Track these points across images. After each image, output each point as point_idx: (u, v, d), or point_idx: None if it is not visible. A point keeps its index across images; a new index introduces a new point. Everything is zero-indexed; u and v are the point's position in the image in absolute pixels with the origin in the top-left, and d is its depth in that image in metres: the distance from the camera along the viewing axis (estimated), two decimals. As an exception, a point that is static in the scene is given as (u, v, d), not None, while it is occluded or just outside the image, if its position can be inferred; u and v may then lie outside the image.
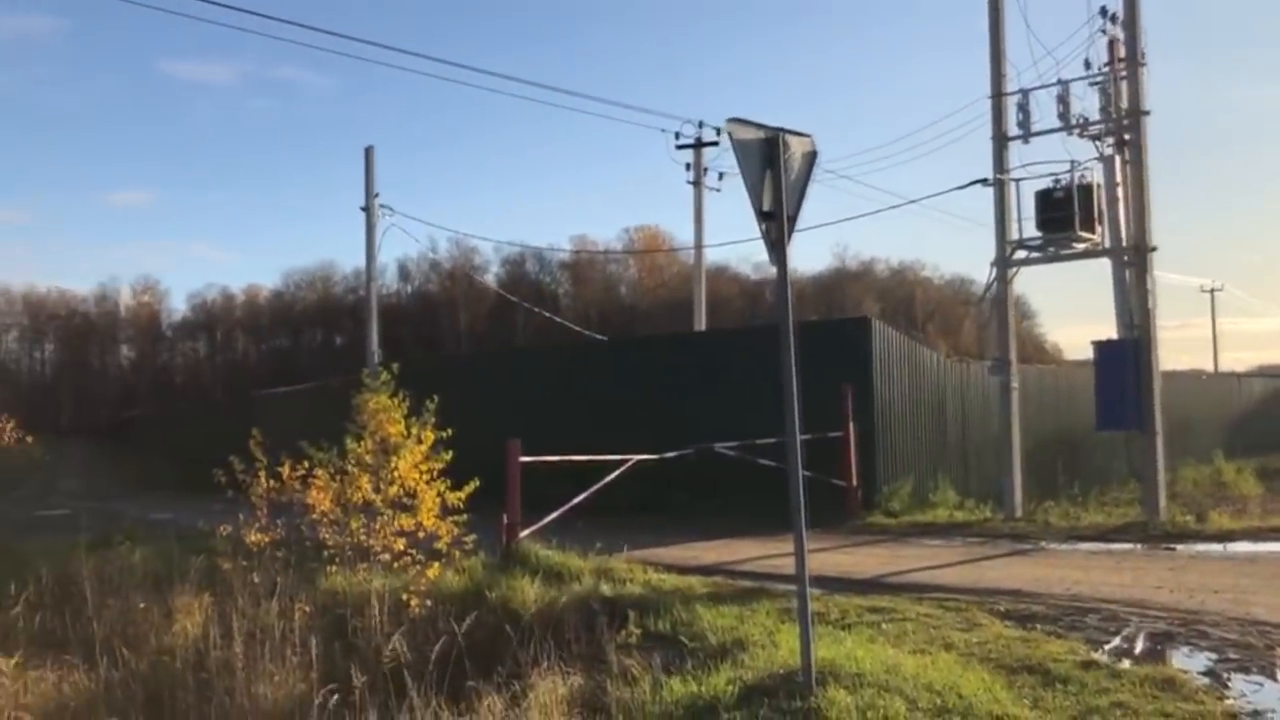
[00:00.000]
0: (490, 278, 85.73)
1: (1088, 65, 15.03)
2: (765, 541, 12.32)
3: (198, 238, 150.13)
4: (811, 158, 5.76)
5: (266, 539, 9.80)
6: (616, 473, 12.44)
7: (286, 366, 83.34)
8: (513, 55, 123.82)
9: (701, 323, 27.40)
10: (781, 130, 5.57)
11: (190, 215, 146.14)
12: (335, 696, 6.42)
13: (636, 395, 18.46)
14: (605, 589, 9.02)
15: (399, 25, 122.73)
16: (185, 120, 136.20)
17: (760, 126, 5.58)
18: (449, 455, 10.01)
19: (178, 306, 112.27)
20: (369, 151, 24.19)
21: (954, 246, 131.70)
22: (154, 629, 8.73)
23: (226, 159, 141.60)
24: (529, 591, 8.92)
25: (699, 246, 28.04)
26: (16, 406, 70.94)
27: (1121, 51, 14.88)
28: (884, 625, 7.56)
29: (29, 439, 57.17)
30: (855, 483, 15.12)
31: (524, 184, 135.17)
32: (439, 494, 9.71)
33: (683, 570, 10.43)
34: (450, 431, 10.22)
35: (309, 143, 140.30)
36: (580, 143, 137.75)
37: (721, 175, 26.75)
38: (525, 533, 11.12)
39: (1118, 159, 15.11)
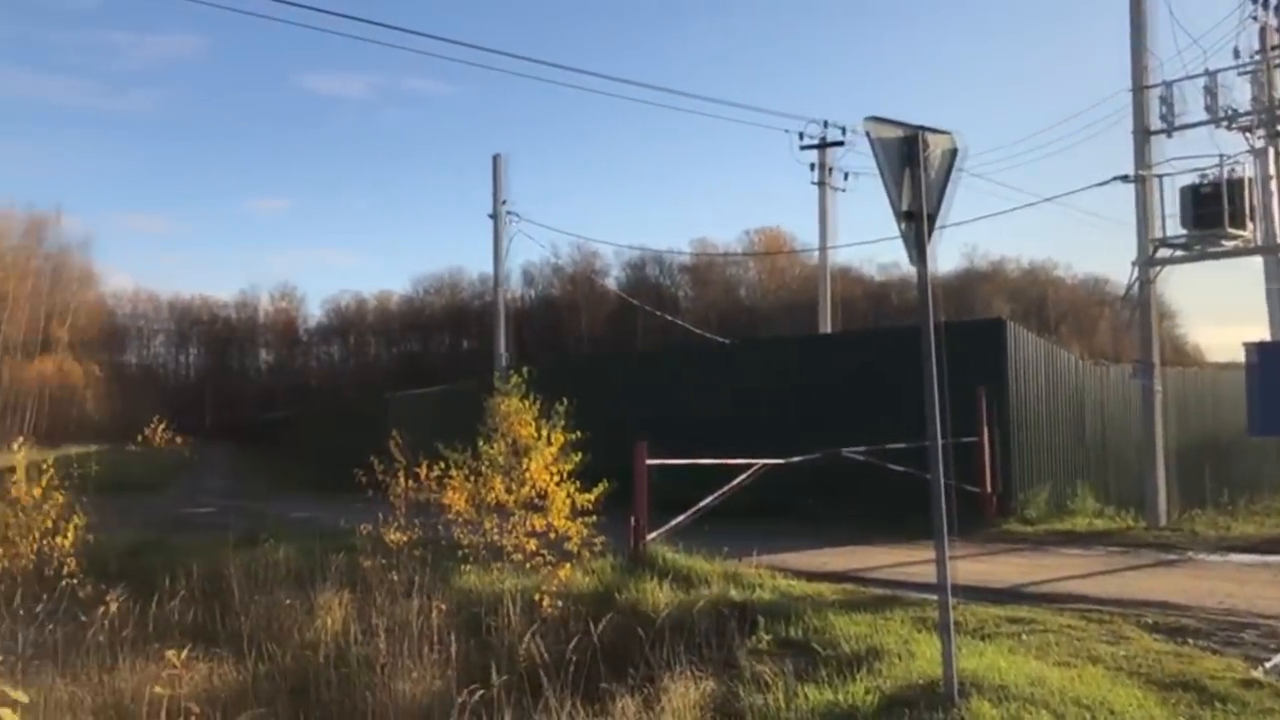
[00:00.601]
0: (611, 281, 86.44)
1: (1236, 54, 14.40)
2: (896, 548, 12.09)
3: (333, 245, 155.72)
4: (952, 155, 5.63)
5: (405, 538, 10.07)
6: (743, 477, 12.38)
7: (417, 369, 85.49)
8: (635, 58, 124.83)
9: (827, 324, 27.09)
10: (922, 128, 5.46)
11: (326, 223, 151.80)
12: (476, 695, 6.51)
13: (763, 398, 18.34)
14: (735, 594, 8.97)
15: (524, 33, 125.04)
16: (322, 131, 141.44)
17: (900, 124, 5.48)
18: (578, 457, 10.11)
19: (314, 312, 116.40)
20: (496, 160, 24.67)
21: (1088, 245, 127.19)
22: (298, 624, 9.02)
23: (361, 168, 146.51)
24: (659, 594, 8.93)
25: (823, 248, 27.74)
26: (164, 408, 74.60)
27: (1275, 39, 14.16)
28: (1025, 636, 7.33)
29: (178, 440, 60.01)
30: (991, 489, 14.72)
31: (645, 187, 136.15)
32: (569, 495, 9.81)
33: (812, 576, 10.30)
34: (580, 434, 10.32)
35: (439, 151, 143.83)
36: (702, 145, 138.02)
37: (847, 175, 26.46)
38: (653, 535, 11.15)
39: (1271, 151, 14.37)
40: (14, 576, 8.55)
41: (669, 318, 42.82)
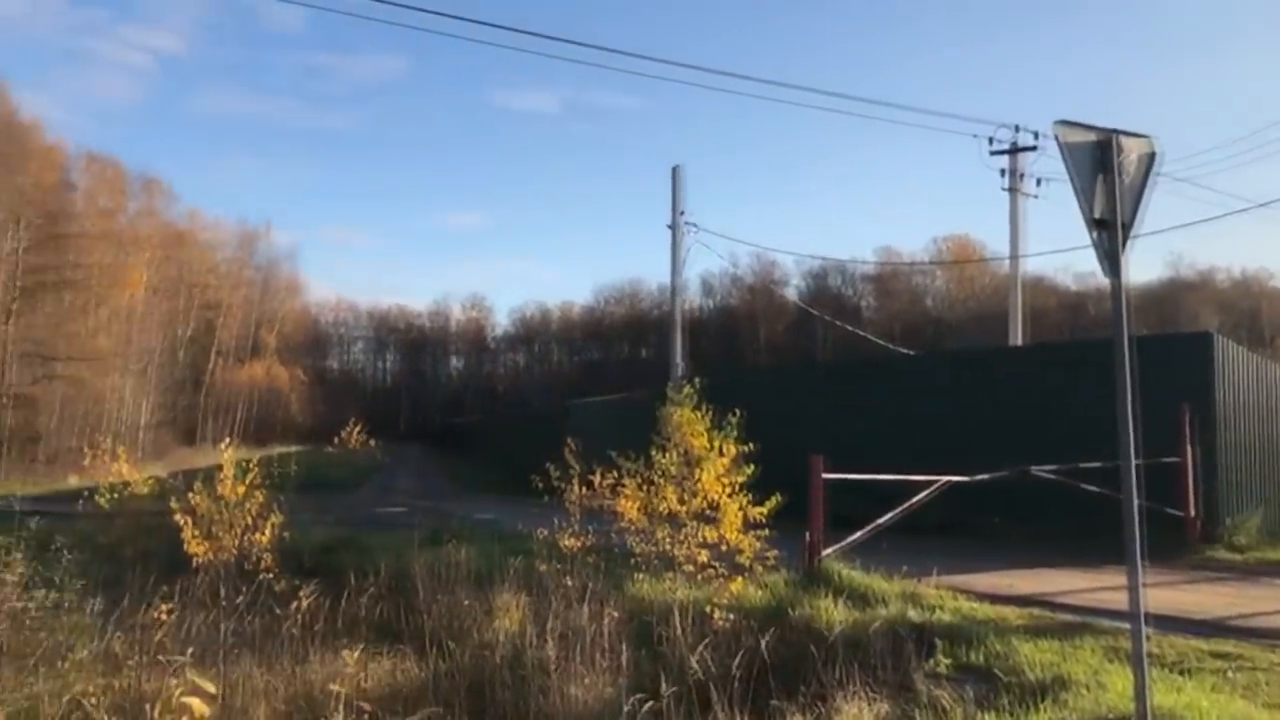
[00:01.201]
0: (791, 291, 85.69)
1: None
2: (1088, 573, 11.46)
3: (521, 256, 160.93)
4: (1150, 160, 5.28)
5: (579, 544, 10.21)
6: (925, 494, 11.99)
7: (597, 377, 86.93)
8: (819, 65, 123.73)
9: (1018, 336, 26.06)
10: (1115, 131, 5.15)
11: (515, 235, 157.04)
12: (646, 705, 6.52)
13: (946, 412, 17.76)
14: (913, 614, 8.70)
15: (707, 45, 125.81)
16: (513, 146, 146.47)
17: (1091, 128, 5.18)
18: (752, 469, 10.01)
19: (501, 320, 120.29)
20: (675, 171, 24.84)
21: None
22: (477, 624, 9.26)
23: (549, 182, 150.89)
24: (833, 612, 8.74)
25: (1015, 256, 26.70)
26: (362, 411, 78.47)
27: None
28: (1230, 674, 6.80)
29: (372, 442, 63.00)
30: (1194, 513, 13.78)
31: (828, 196, 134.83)
32: (741, 508, 9.72)
33: (995, 599, 9.88)
34: (753, 446, 10.22)
35: (622, 163, 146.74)
36: (887, 151, 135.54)
37: (1039, 181, 25.44)
38: (828, 551, 10.93)
39: None
40: (217, 569, 9.12)
41: (850, 328, 42.10)
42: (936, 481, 11.97)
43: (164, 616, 7.68)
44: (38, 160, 50.57)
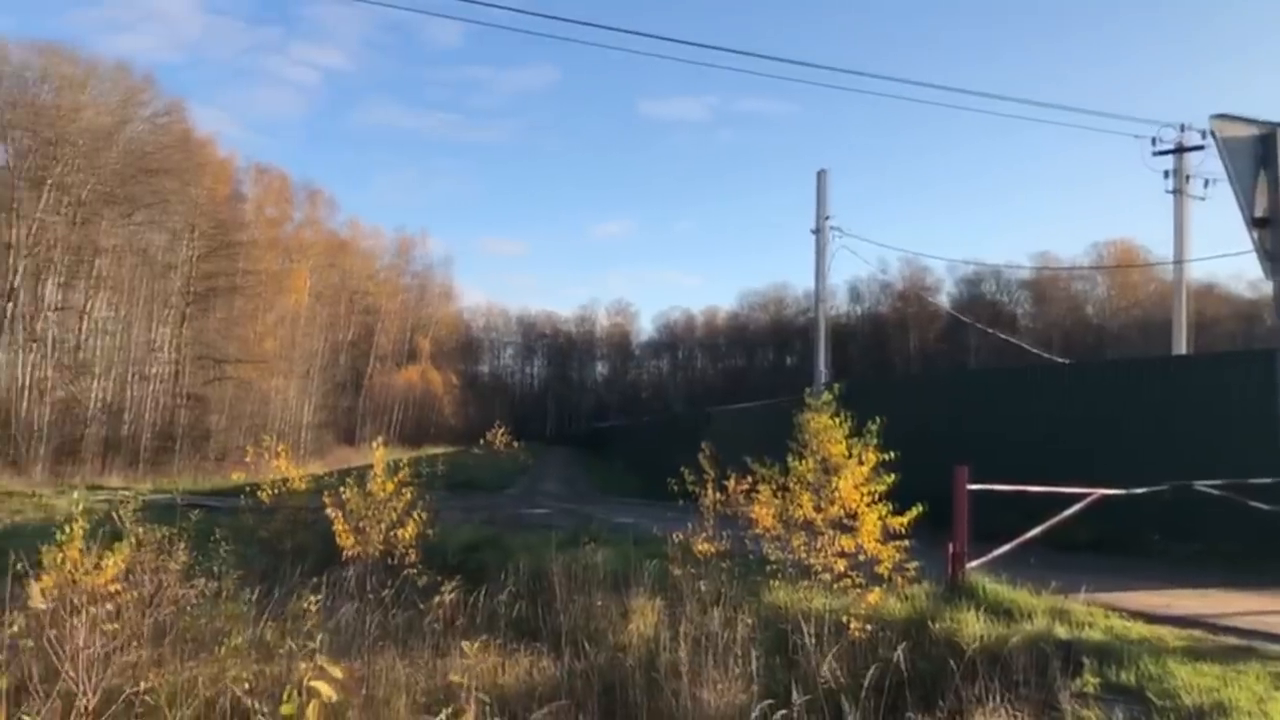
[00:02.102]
0: (943, 298, 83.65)
1: None
2: (1256, 594, 10.80)
3: (666, 263, 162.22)
4: (1317, 154, 4.95)
5: (713, 549, 10.19)
6: (1076, 507, 11.51)
7: (740, 384, 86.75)
8: (969, 67, 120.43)
9: (1181, 345, 24.77)
10: (1278, 125, 4.85)
11: (661, 242, 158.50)
12: (779, 714, 6.46)
13: (1102, 423, 17.01)
14: (1060, 631, 8.35)
15: (858, 49, 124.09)
16: (660, 155, 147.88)
17: (1252, 122, 4.89)
18: (891, 478, 9.80)
19: (645, 327, 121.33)
20: (820, 175, 24.56)
21: None
22: (611, 626, 9.34)
23: (695, 189, 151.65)
24: (976, 626, 8.48)
25: (1179, 261, 25.40)
26: (510, 415, 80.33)
27: None
28: None
29: (516, 445, 64.37)
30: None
31: (981, 200, 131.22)
32: (880, 517, 9.53)
33: (1151, 619, 9.39)
34: (893, 454, 10.00)
35: (769, 169, 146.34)
36: (1043, 154, 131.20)
37: (1207, 183, 24.12)
38: (973, 564, 10.61)
39: None
40: (365, 563, 9.48)
41: (1004, 336, 40.74)
42: (1089, 495, 11.48)
43: (312, 607, 8.03)
44: (211, 173, 53.65)
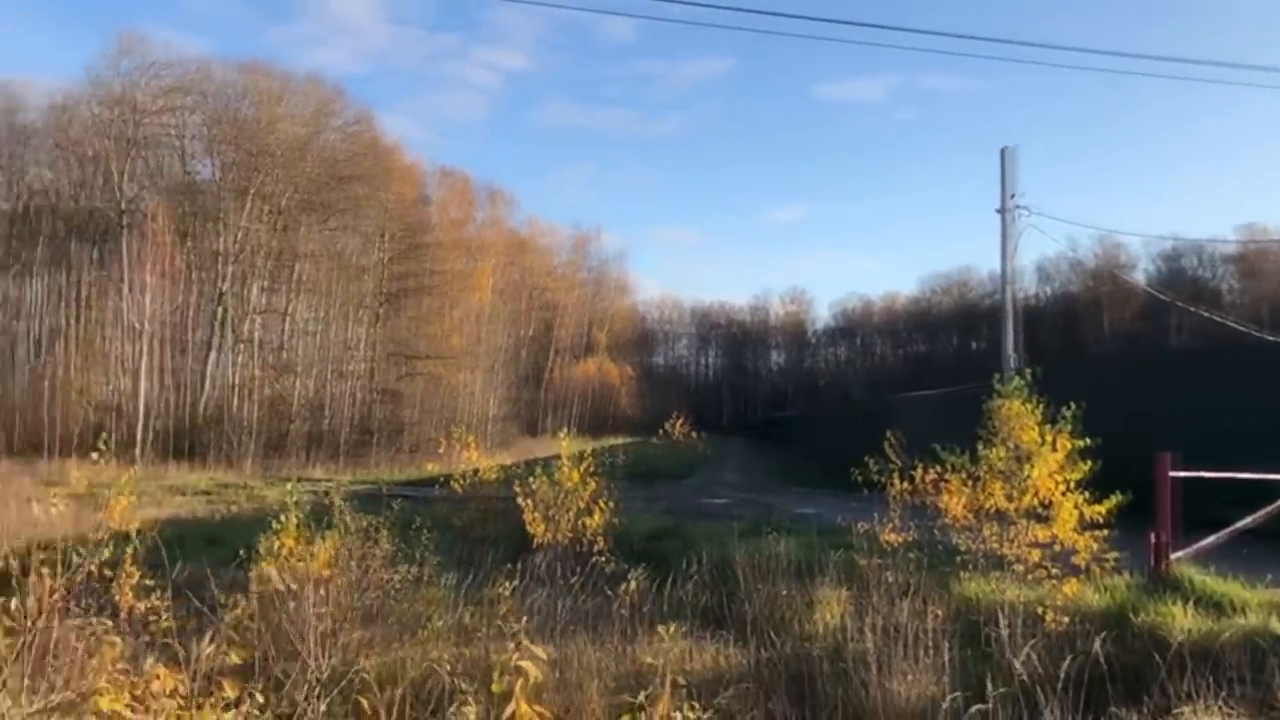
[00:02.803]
0: (1139, 275, 79.31)
1: None
2: None
3: (842, 248, 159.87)
4: None
5: (900, 539, 10.03)
6: (1294, 495, 10.78)
7: (923, 370, 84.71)
8: (1164, 34, 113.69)
9: None
10: None
11: (839, 227, 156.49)
12: (974, 707, 6.34)
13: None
14: (1277, 626, 7.86)
15: (1042, 18, 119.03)
16: (838, 139, 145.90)
17: None
18: (1089, 466, 9.40)
19: (821, 314, 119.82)
20: (1005, 153, 23.72)
21: None
22: (797, 616, 9.32)
23: (872, 172, 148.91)
24: (1182, 619, 8.07)
25: None
26: (687, 406, 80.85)
27: None
28: None
29: (696, 434, 64.75)
30: None
31: (1179, 172, 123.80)
32: (1076, 506, 9.15)
33: (1386, 615, 8.71)
34: (1089, 441, 9.58)
35: (950, 149, 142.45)
36: (1248, 120, 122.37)
37: None
38: (1178, 555, 10.08)
39: None
40: (554, 550, 9.76)
41: (1208, 313, 38.34)
42: (1309, 482, 10.73)
43: (507, 593, 8.33)
44: (399, 177, 56.09)
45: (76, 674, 3.52)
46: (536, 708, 3.69)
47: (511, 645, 4.02)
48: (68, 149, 48.09)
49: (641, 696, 3.69)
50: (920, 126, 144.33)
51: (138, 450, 38.80)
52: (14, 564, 5.35)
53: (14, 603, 4.61)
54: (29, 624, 3.87)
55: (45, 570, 5.52)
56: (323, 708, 4.04)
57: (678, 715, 3.69)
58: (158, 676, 3.77)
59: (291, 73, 54.22)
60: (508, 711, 3.58)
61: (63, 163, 48.73)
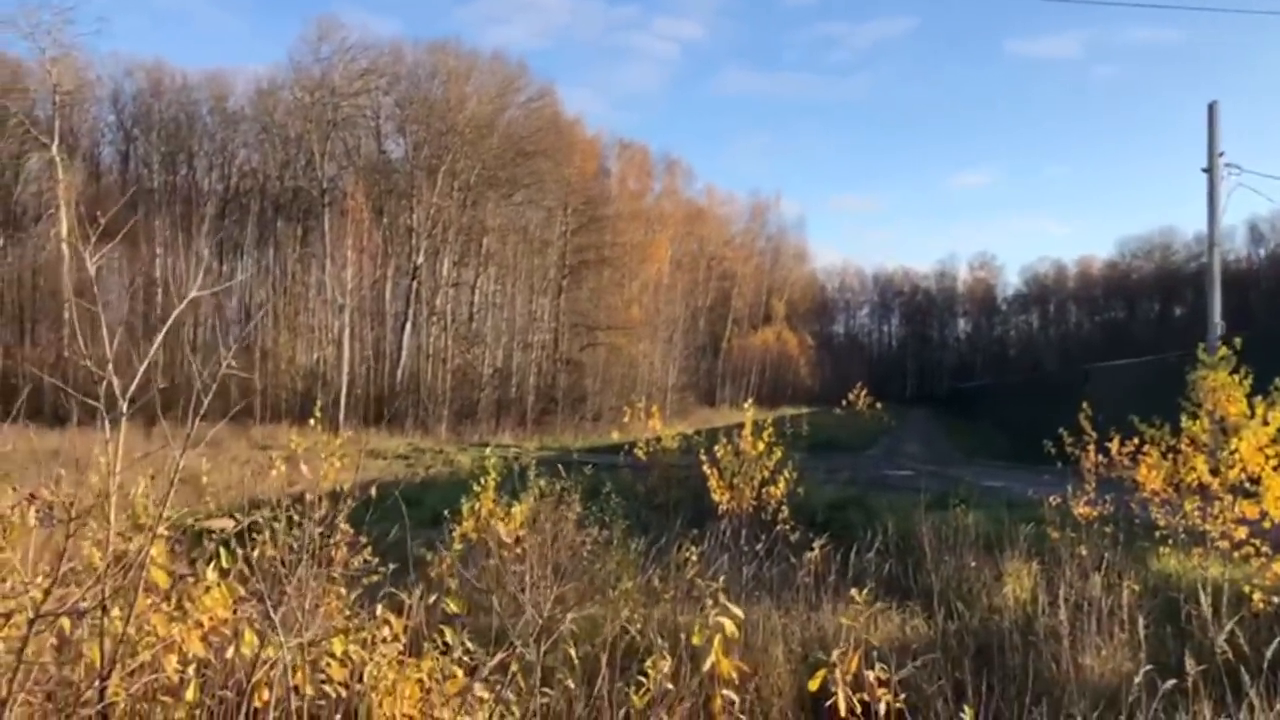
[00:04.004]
0: (1366, 235, 73.06)
1: None
2: None
3: (1035, 212, 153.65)
4: None
5: (1094, 513, 9.76)
6: None
7: (1120, 338, 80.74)
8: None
9: None
10: None
11: (1028, 191, 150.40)
12: (1169, 682, 6.19)
13: None
14: None
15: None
16: (1027, 98, 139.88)
17: None
18: (1304, 440, 8.89)
19: (1011, 280, 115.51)
20: (1212, 107, 22.34)
21: None
22: (984, 589, 9.22)
23: (1066, 132, 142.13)
24: None
25: None
26: (867, 376, 79.64)
27: None
28: None
29: (878, 405, 63.77)
30: None
31: None
32: (1290, 482, 8.69)
33: None
34: (1304, 413, 9.05)
35: (1151, 105, 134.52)
36: None
37: None
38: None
39: None
40: (738, 517, 9.95)
41: None
42: None
43: (693, 557, 8.59)
44: (580, 151, 57.16)
45: (310, 620, 3.92)
46: (734, 661, 3.88)
47: (710, 603, 4.21)
48: (272, 132, 51.20)
49: (835, 655, 3.81)
50: (1117, 83, 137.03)
51: (341, 416, 41.23)
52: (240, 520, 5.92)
53: (254, 555, 5.12)
54: (266, 573, 4.32)
55: (277, 526, 6.09)
56: (542, 652, 4.35)
57: (869, 674, 3.81)
58: (387, 622, 4.15)
59: (477, 51, 55.98)
60: (707, 664, 3.78)
61: (268, 145, 51.96)
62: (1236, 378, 9.37)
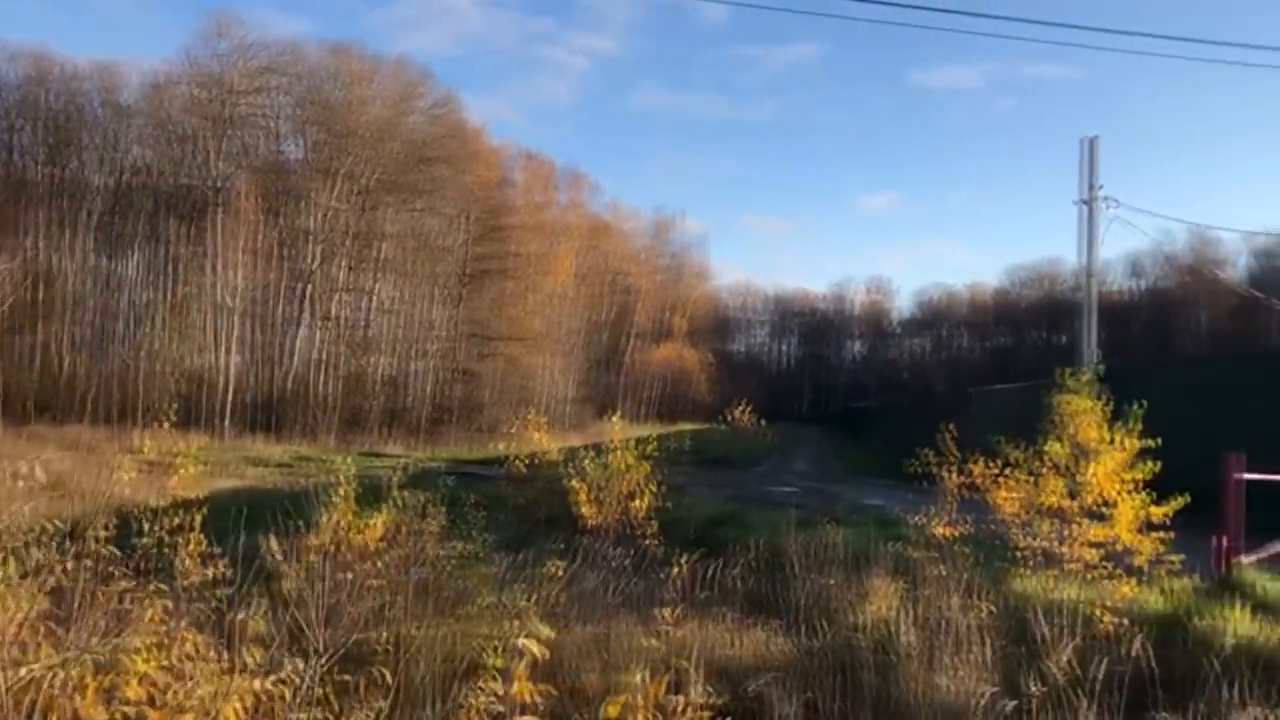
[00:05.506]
0: (1238, 272, 76.57)
1: None
2: None
3: (932, 238, 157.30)
4: None
5: (953, 533, 9.90)
6: (1375, 502, 10.39)
7: (1006, 363, 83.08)
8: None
9: None
10: None
11: (926, 217, 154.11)
12: (1010, 703, 6.27)
13: None
14: (1346, 637, 7.61)
15: (1156, 7, 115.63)
16: (933, 126, 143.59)
17: None
18: (1155, 466, 9.16)
19: (905, 304, 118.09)
20: (1089, 143, 23.17)
21: None
22: (850, 606, 9.26)
23: (965, 161, 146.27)
24: (1243, 624, 7.85)
25: None
26: (764, 393, 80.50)
27: None
28: None
29: (763, 422, 64.35)
30: None
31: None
32: (1139, 506, 8.94)
33: None
34: (1157, 441, 9.34)
35: (1046, 138, 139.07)
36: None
37: None
38: (1247, 560, 9.80)
39: None
40: (605, 532, 9.84)
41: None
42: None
43: (558, 573, 8.44)
44: (482, 161, 56.68)
45: (113, 633, 3.68)
46: (541, 686, 3.75)
47: (515, 624, 4.08)
48: (167, 128, 49.55)
49: (639, 676, 3.70)
50: (1017, 115, 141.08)
51: (225, 422, 40.00)
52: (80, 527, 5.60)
53: (69, 563, 4.81)
54: (74, 582, 4.05)
55: (103, 533, 5.76)
56: (321, 676, 4.15)
57: (677, 699, 3.70)
58: (187, 639, 3.91)
59: (381, 55, 55.13)
60: (513, 689, 3.64)
61: (160, 141, 50.23)
62: (1094, 404, 9.62)
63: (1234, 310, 75.47)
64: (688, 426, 54.20)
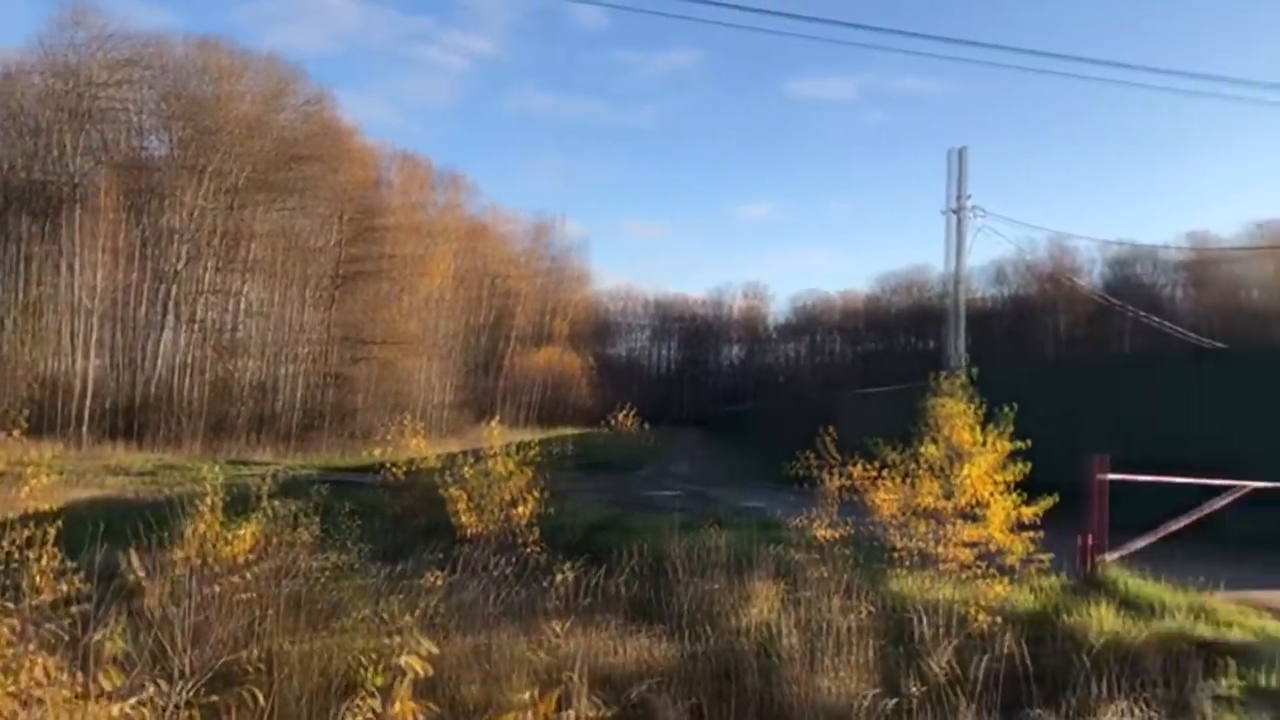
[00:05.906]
0: (1094, 280, 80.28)
1: None
2: None
3: (812, 246, 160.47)
4: None
5: (834, 535, 10.01)
6: (1224, 501, 10.91)
7: (878, 368, 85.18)
8: (1131, 38, 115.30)
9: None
10: None
11: (803, 225, 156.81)
12: (890, 702, 6.34)
13: (1257, 414, 16.07)
14: (1202, 629, 7.94)
15: (1022, 25, 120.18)
16: (810, 135, 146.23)
17: None
18: (1025, 467, 9.45)
19: (782, 310, 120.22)
20: (957, 153, 23.88)
21: None
22: (733, 609, 9.27)
23: (840, 170, 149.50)
24: (1108, 620, 8.13)
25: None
26: (645, 397, 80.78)
27: None
28: None
29: (645, 426, 64.65)
30: None
31: (1134, 179, 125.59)
32: (1010, 507, 9.20)
33: (1307, 620, 8.83)
34: (1027, 442, 9.63)
35: (917, 150, 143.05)
36: (1201, 129, 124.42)
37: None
38: (1110, 557, 10.17)
39: None
40: (486, 541, 9.64)
41: (1156, 321, 38.84)
42: (1239, 488, 10.87)
43: (438, 583, 8.22)
44: (356, 160, 55.41)
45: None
46: (425, 703, 3.59)
47: (402, 638, 3.91)
48: (18, 119, 46.99)
49: (527, 694, 3.58)
50: (889, 127, 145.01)
51: (83, 429, 38.16)
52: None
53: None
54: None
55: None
56: (187, 699, 3.91)
57: (567, 714, 3.59)
58: (37, 663, 3.62)
59: (250, 50, 53.35)
60: (394, 709, 3.48)
61: (11, 134, 47.61)
62: (967, 406, 9.86)
63: (1090, 316, 78.97)
64: (569, 431, 53.91)
